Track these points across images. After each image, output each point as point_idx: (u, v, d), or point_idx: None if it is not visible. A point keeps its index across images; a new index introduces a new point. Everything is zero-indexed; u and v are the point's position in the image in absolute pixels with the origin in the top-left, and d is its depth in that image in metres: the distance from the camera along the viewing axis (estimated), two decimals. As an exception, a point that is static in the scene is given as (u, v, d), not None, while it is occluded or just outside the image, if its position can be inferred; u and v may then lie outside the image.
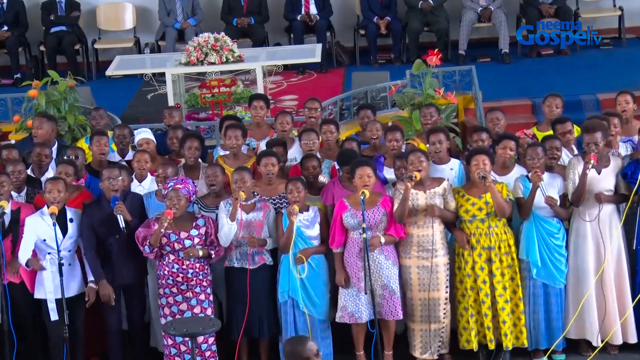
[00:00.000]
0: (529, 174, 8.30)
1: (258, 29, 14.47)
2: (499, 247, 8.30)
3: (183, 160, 9.20)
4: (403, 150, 9.04)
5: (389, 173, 8.81)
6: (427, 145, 8.97)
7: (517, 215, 8.46)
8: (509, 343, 8.36)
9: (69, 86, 11.25)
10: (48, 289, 8.14)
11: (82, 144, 9.81)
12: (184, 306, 8.18)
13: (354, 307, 8.29)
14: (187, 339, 7.96)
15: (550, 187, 8.33)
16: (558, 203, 8.31)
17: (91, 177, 8.97)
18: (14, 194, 8.50)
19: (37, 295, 8.21)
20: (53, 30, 14.48)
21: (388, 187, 8.47)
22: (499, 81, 13.33)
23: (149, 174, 8.91)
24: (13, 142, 10.85)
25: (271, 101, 11.21)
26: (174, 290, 8.17)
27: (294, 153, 9.34)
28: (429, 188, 8.30)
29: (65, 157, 8.91)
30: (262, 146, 9.41)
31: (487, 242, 8.29)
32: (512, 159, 8.65)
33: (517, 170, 8.56)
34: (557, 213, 8.34)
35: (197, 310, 8.17)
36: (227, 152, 9.23)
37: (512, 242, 8.34)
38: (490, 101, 11.99)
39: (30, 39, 14.74)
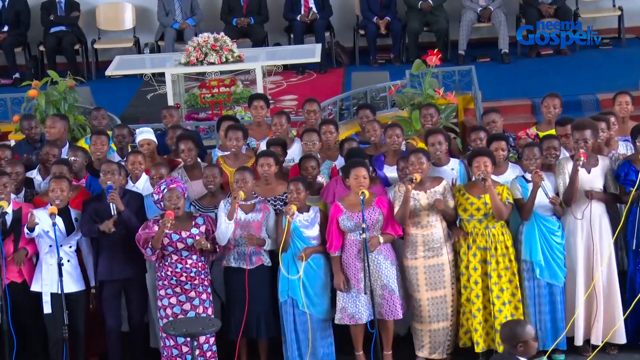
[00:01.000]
0: (529, 175, 8.30)
1: (258, 29, 14.47)
2: (495, 249, 8.30)
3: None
4: (403, 148, 9.05)
5: (389, 171, 8.81)
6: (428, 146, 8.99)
7: (515, 217, 8.45)
8: (506, 347, 8.36)
9: (69, 86, 11.25)
10: (45, 281, 8.15)
11: (82, 144, 9.80)
12: (187, 306, 8.18)
13: (354, 308, 8.29)
14: (188, 339, 7.96)
15: (546, 186, 8.32)
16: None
17: (92, 178, 8.96)
18: (12, 195, 8.50)
19: (34, 287, 8.21)
20: (53, 30, 14.48)
21: (390, 189, 8.46)
22: (499, 81, 13.33)
23: (143, 174, 8.91)
24: (13, 142, 10.86)
25: (271, 101, 11.20)
26: (177, 290, 8.17)
27: (294, 153, 9.34)
28: (430, 188, 8.31)
29: (66, 158, 8.92)
30: (263, 146, 9.41)
31: (483, 242, 8.29)
32: (512, 158, 8.65)
33: (511, 170, 8.57)
34: (557, 212, 8.34)
35: (200, 309, 8.17)
36: (227, 153, 9.22)
37: (509, 243, 8.33)
38: (490, 101, 12.00)
39: (29, 39, 14.74)
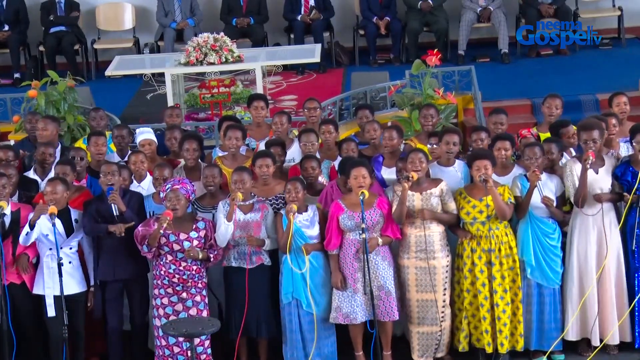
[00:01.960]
0: (528, 174, 8.30)
1: (257, 29, 14.47)
2: (499, 250, 8.28)
3: (182, 161, 9.20)
4: (401, 149, 9.04)
5: (387, 173, 8.80)
6: (428, 146, 8.98)
7: (515, 215, 8.45)
8: (509, 347, 8.33)
9: (69, 86, 11.26)
10: (47, 284, 8.15)
11: (80, 144, 9.79)
12: (179, 307, 8.16)
13: (349, 308, 8.28)
14: (181, 340, 7.96)
15: (546, 187, 8.33)
16: (554, 204, 8.31)
17: (91, 178, 8.96)
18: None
19: (36, 291, 8.21)
20: (52, 30, 14.49)
21: (388, 190, 8.46)
22: (499, 81, 13.33)
23: (147, 173, 8.91)
24: (12, 142, 10.86)
25: (270, 101, 11.20)
26: (170, 290, 8.16)
27: (293, 153, 9.34)
28: (426, 189, 8.29)
29: (70, 158, 8.91)
30: (262, 146, 9.40)
31: (488, 244, 8.28)
32: (510, 159, 8.64)
33: (517, 171, 8.55)
34: (552, 213, 8.33)
35: (192, 311, 8.15)
36: (226, 153, 9.22)
37: (513, 244, 8.32)
38: (490, 101, 12.00)
39: (29, 39, 14.75)
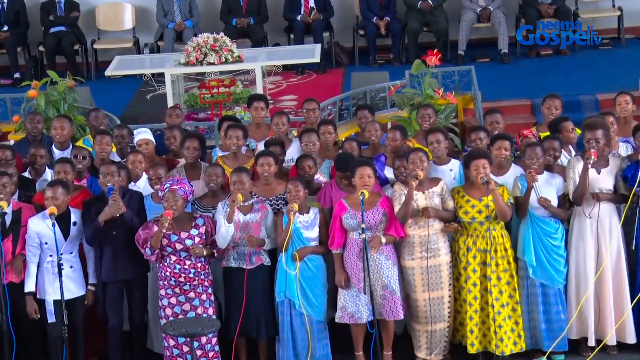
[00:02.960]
0: (525, 174, 8.30)
1: (257, 29, 14.47)
2: (495, 250, 8.28)
3: (182, 161, 9.21)
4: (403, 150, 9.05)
5: (390, 172, 8.81)
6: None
7: (515, 215, 8.45)
8: (504, 349, 8.30)
9: (68, 86, 11.26)
10: (47, 291, 8.15)
11: (80, 144, 9.77)
12: (186, 306, 8.17)
13: (354, 307, 8.29)
14: (190, 340, 7.97)
15: (549, 186, 8.33)
16: (555, 203, 8.30)
17: (92, 178, 8.96)
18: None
19: (38, 295, 8.21)
20: (52, 30, 14.49)
21: (386, 188, 8.47)
22: (498, 81, 13.34)
23: (144, 173, 8.91)
24: (12, 142, 10.86)
25: (270, 101, 11.21)
26: (177, 290, 8.17)
27: (292, 153, 9.33)
28: (428, 188, 8.31)
29: (73, 157, 8.90)
30: (261, 147, 9.40)
31: (484, 245, 8.28)
32: (508, 159, 8.65)
33: (514, 170, 8.56)
34: (553, 213, 8.32)
35: (200, 310, 8.17)
36: (227, 153, 9.22)
37: (508, 245, 8.32)
38: (490, 101, 12.00)
39: (29, 39, 14.75)
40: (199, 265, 8.17)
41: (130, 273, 8.36)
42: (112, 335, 8.47)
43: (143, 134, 9.38)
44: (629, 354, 8.52)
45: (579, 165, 8.28)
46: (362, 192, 8.07)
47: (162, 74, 12.30)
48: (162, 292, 8.21)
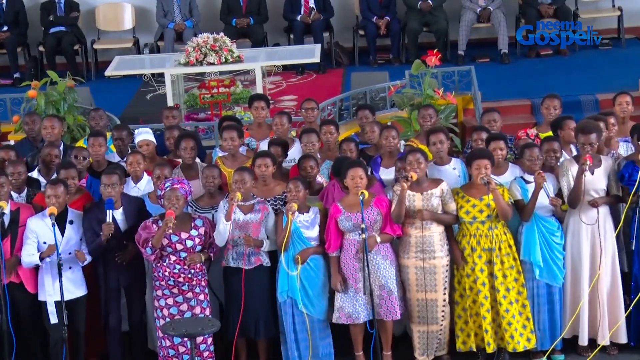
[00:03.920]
0: (528, 175, 8.28)
1: (257, 29, 14.47)
2: (499, 249, 8.28)
3: (182, 161, 9.20)
4: (401, 149, 9.04)
5: (385, 174, 8.80)
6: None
7: (514, 217, 8.43)
8: (516, 345, 8.29)
9: (68, 86, 11.26)
10: (48, 292, 8.15)
11: (81, 145, 9.78)
12: (184, 306, 8.17)
13: (351, 307, 8.28)
14: (186, 339, 7.96)
15: (547, 187, 8.32)
16: (559, 203, 8.31)
17: (92, 178, 8.96)
18: (14, 194, 8.50)
19: (41, 297, 8.20)
20: (52, 30, 14.50)
21: (387, 189, 8.46)
22: (498, 81, 13.34)
23: (145, 174, 8.91)
24: (12, 142, 10.86)
25: (270, 102, 11.21)
26: (175, 290, 8.16)
27: (294, 154, 9.33)
28: (426, 190, 8.28)
29: (73, 158, 8.90)
30: (262, 146, 9.40)
31: (488, 243, 8.28)
32: (508, 157, 8.64)
33: (511, 170, 8.55)
34: (556, 213, 8.33)
35: (197, 310, 8.17)
36: (226, 153, 9.22)
37: (512, 242, 8.32)
38: (490, 101, 12.00)
39: (29, 39, 14.75)
40: (197, 265, 8.18)
41: (127, 280, 8.38)
42: (112, 335, 8.47)
43: (144, 134, 9.37)
44: (629, 354, 8.52)
45: (572, 168, 8.27)
46: (361, 192, 8.06)
47: (162, 74, 12.31)
48: (159, 292, 8.20)
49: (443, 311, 8.37)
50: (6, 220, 8.15)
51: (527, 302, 8.32)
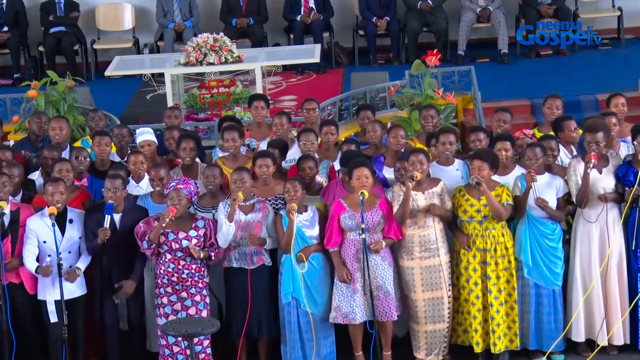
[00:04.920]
0: (524, 174, 8.30)
1: (257, 30, 14.47)
2: (495, 250, 8.29)
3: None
4: (402, 149, 9.04)
5: (389, 173, 8.80)
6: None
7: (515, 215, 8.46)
8: (502, 346, 8.33)
9: (68, 87, 11.25)
10: (48, 291, 8.15)
11: (79, 145, 9.76)
12: (178, 306, 8.17)
13: (348, 307, 8.28)
14: (181, 339, 7.96)
15: (549, 188, 8.32)
16: (554, 205, 8.29)
17: (93, 178, 8.95)
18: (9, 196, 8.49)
19: (41, 296, 8.21)
20: (52, 30, 14.49)
21: (387, 191, 8.46)
22: (498, 81, 13.34)
23: (146, 174, 8.91)
24: (12, 142, 10.85)
25: (270, 102, 11.21)
26: (169, 290, 8.17)
27: (293, 154, 9.33)
28: (428, 188, 8.30)
29: (74, 158, 8.90)
30: (263, 146, 9.40)
31: (483, 244, 8.29)
32: (512, 159, 8.65)
33: (518, 170, 8.55)
34: (550, 214, 8.32)
35: (192, 311, 8.15)
36: (227, 154, 9.22)
37: (509, 244, 8.33)
38: (490, 101, 12.00)
39: (29, 39, 14.75)
40: (193, 267, 8.16)
41: (123, 279, 8.35)
42: (110, 335, 8.46)
43: (146, 134, 9.37)
44: (629, 354, 8.52)
45: (580, 167, 8.28)
46: (362, 192, 8.06)
47: (162, 74, 12.30)
48: (157, 291, 8.22)
49: (448, 308, 8.39)
50: (6, 220, 8.16)
51: (515, 304, 8.34)
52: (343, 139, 9.40)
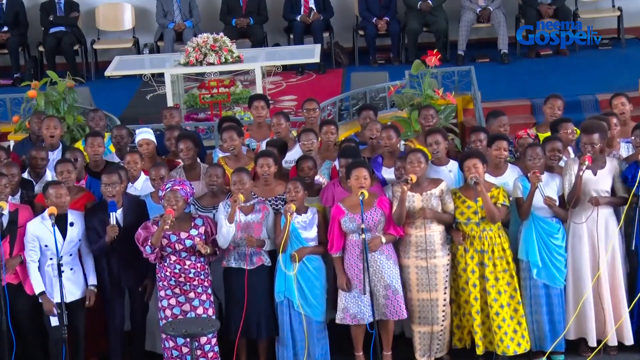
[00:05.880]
0: (529, 175, 8.28)
1: (257, 30, 14.47)
2: (493, 251, 8.28)
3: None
4: (401, 149, 9.03)
5: (387, 173, 8.80)
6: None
7: (516, 218, 8.44)
8: (506, 349, 8.30)
9: (68, 87, 11.25)
10: (48, 292, 8.14)
11: (79, 146, 9.78)
12: (186, 307, 8.17)
13: (357, 308, 8.28)
14: (189, 340, 7.96)
15: (548, 187, 8.32)
16: (557, 203, 8.30)
17: (91, 179, 8.96)
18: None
19: (40, 298, 8.21)
20: (52, 30, 14.49)
21: (387, 188, 8.47)
22: (498, 81, 13.33)
23: (142, 174, 8.90)
24: (12, 142, 10.85)
25: (270, 102, 11.21)
26: (177, 290, 8.16)
27: (295, 154, 9.33)
28: (426, 190, 8.29)
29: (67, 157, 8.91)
30: (263, 147, 9.40)
31: (480, 245, 8.28)
32: (509, 159, 8.64)
33: (511, 171, 8.55)
34: (555, 213, 8.32)
35: (199, 310, 8.16)
36: (228, 154, 9.22)
37: (506, 245, 8.32)
38: (490, 102, 12.00)
39: (29, 39, 14.75)
40: (198, 265, 8.17)
41: (131, 282, 8.38)
42: (113, 335, 8.47)
43: (144, 134, 9.37)
44: (629, 354, 8.52)
45: (575, 167, 8.27)
46: (361, 192, 8.06)
47: (161, 74, 12.31)
48: (162, 292, 8.21)
49: (444, 311, 8.37)
50: (5, 220, 8.15)
51: (519, 306, 8.32)
52: (343, 139, 9.39)
